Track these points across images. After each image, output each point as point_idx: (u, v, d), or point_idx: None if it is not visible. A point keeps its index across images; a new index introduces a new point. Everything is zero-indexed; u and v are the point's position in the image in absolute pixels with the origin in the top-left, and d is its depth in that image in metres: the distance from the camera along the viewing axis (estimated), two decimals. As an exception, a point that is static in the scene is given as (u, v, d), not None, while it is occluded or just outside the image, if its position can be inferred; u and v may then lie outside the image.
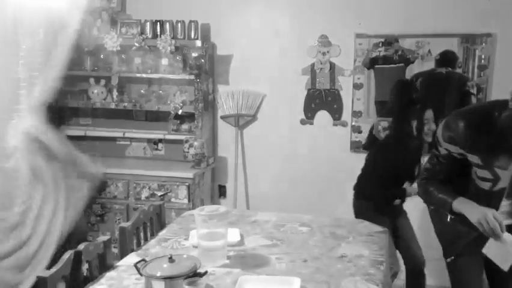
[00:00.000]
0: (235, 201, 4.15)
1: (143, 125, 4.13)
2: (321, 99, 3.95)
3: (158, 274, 1.74)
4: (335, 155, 3.95)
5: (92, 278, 2.03)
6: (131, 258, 2.12)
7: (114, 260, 2.17)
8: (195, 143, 3.87)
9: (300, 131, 4.02)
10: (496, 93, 3.57)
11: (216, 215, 2.07)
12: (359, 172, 3.86)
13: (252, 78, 4.02)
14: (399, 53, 3.72)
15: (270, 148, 4.08)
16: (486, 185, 2.02)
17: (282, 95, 4.00)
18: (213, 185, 4.16)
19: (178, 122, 4.05)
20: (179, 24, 3.84)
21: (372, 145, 3.56)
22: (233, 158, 4.13)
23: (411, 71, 3.70)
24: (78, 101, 4.04)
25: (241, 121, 4.08)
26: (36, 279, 1.79)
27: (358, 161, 3.86)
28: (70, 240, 3.13)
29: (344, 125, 3.93)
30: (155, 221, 2.68)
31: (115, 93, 3.99)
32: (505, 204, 2.02)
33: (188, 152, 3.96)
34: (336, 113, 3.94)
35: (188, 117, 3.97)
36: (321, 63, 3.90)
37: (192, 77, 3.82)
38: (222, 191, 4.26)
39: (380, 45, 3.75)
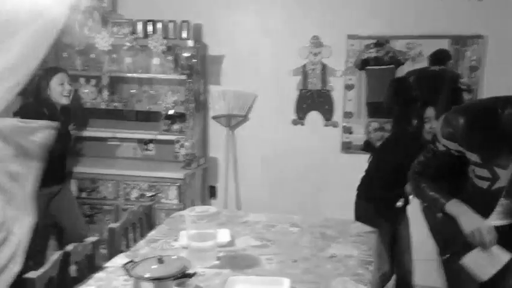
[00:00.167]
0: (225, 202, 4.14)
1: (133, 125, 4.10)
2: (313, 100, 3.95)
3: (147, 275, 1.73)
4: (326, 156, 3.96)
5: (80, 279, 2.01)
6: (120, 259, 2.11)
7: (103, 261, 2.16)
8: (186, 144, 3.86)
9: (291, 132, 4.02)
10: (487, 94, 3.59)
11: (206, 215, 2.06)
12: (349, 173, 3.87)
13: (244, 79, 4.02)
14: (391, 54, 3.73)
15: (261, 149, 4.08)
16: (484, 184, 1.97)
17: (273, 95, 4.00)
18: (203, 185, 4.15)
19: (169, 122, 4.03)
20: (171, 24, 3.83)
21: (368, 146, 3.53)
22: (224, 159, 4.12)
23: (402, 72, 3.71)
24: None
25: (233, 121, 4.08)
26: (25, 280, 1.77)
27: (349, 162, 3.90)
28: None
29: (335, 125, 3.93)
30: (144, 222, 2.67)
31: (105, 93, 3.97)
32: (502, 203, 1.97)
33: (179, 153, 3.95)
34: (327, 114, 3.94)
35: (180, 117, 3.96)
36: (312, 64, 3.91)
37: (184, 77, 3.80)
38: (212, 192, 4.25)
39: (372, 46, 3.76)
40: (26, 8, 3.12)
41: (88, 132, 4.10)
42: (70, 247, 1.99)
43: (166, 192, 3.72)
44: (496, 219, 1.95)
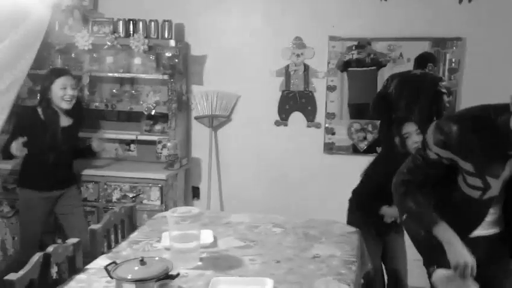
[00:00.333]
0: (208, 203, 4.12)
1: (115, 126, 4.06)
2: (295, 101, 3.96)
3: (129, 277, 1.72)
4: (308, 157, 3.97)
5: (61, 281, 1.98)
6: (102, 261, 2.09)
7: (84, 262, 2.13)
8: (168, 144, 3.83)
9: (274, 132, 4.02)
10: (466, 96, 3.65)
11: (188, 216, 2.05)
12: (332, 173, 3.91)
13: (227, 79, 4.01)
14: (372, 56, 3.77)
15: (244, 149, 4.07)
16: (475, 194, 1.92)
17: (256, 96, 4.00)
18: (186, 186, 4.13)
19: (151, 122, 4.00)
20: (152, 24, 3.80)
21: None
22: (207, 159, 4.10)
23: (383, 74, 3.75)
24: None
25: (216, 122, 4.07)
26: (4, 282, 1.74)
27: (331, 163, 3.92)
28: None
29: (318, 126, 3.95)
30: (126, 223, 2.64)
31: (86, 92, 3.91)
32: (492, 212, 1.96)
33: (161, 153, 3.92)
34: (310, 115, 3.96)
35: (162, 117, 3.93)
36: (295, 65, 3.92)
37: (166, 77, 3.78)
38: (195, 193, 4.23)
39: (353, 48, 3.79)
40: (13, 11, 3.14)
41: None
42: (50, 248, 1.96)
43: (148, 193, 3.69)
44: (485, 229, 1.95)
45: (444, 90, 3.65)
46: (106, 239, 2.41)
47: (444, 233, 1.89)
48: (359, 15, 3.75)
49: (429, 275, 2.09)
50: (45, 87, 3.22)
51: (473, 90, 3.63)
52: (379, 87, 3.77)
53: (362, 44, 3.77)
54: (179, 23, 3.91)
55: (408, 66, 3.69)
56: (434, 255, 2.03)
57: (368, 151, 3.79)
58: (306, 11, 3.83)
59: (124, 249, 2.27)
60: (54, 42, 3.79)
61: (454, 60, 3.63)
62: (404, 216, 2.05)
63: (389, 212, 2.85)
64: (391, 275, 3.07)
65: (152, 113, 3.90)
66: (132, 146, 4.11)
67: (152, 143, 3.96)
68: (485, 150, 1.81)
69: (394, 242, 3.02)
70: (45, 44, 3.76)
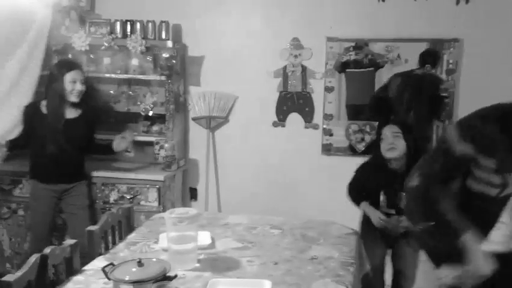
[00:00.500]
0: (206, 204, 4.12)
1: (112, 126, 4.04)
2: (293, 102, 3.96)
3: (127, 278, 1.71)
4: (306, 158, 3.97)
5: (58, 282, 1.98)
6: (99, 262, 2.08)
7: (81, 263, 2.12)
8: (166, 145, 3.82)
9: (272, 133, 4.02)
10: (464, 97, 3.66)
11: (186, 217, 2.04)
12: (330, 174, 3.91)
13: (224, 80, 4.00)
14: (370, 57, 3.77)
15: (241, 150, 4.07)
16: (493, 192, 1.88)
17: (254, 97, 4.00)
18: (184, 187, 4.12)
19: (149, 123, 3.99)
20: (150, 24, 3.79)
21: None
22: (205, 160, 4.10)
23: (380, 75, 3.75)
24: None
25: (213, 123, 4.06)
26: (1, 284, 1.73)
27: (329, 164, 3.92)
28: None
29: (316, 127, 3.95)
30: (124, 224, 2.63)
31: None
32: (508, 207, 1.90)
33: (159, 154, 3.90)
34: (307, 116, 3.96)
35: (159, 118, 3.92)
36: (293, 66, 3.92)
37: (163, 78, 3.77)
38: (193, 194, 4.22)
39: (351, 49, 3.79)
40: (20, 19, 3.26)
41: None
42: (47, 250, 1.95)
43: (146, 195, 3.68)
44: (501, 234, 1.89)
45: (445, 94, 3.65)
46: (103, 240, 2.40)
47: (474, 242, 1.83)
48: (356, 16, 3.75)
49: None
50: (55, 78, 3.20)
51: (470, 91, 3.64)
52: (377, 88, 3.77)
53: (359, 45, 3.77)
54: (176, 24, 3.91)
55: (406, 67, 3.69)
56: (447, 262, 1.96)
57: (365, 152, 3.78)
58: (303, 12, 3.83)
59: (122, 251, 2.27)
60: (51, 43, 3.78)
61: (451, 61, 3.64)
62: (423, 224, 1.96)
63: (369, 211, 2.90)
64: (395, 276, 3.05)
65: (150, 114, 3.90)
66: (129, 147, 4.09)
67: (150, 144, 3.95)
68: (510, 147, 1.77)
69: (402, 251, 2.97)
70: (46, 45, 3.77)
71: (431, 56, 3.63)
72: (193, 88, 4.07)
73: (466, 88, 3.65)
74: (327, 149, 3.93)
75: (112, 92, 4.01)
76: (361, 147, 3.82)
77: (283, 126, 4.01)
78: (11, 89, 3.43)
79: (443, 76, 3.66)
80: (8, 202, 3.72)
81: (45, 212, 3.33)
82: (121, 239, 2.49)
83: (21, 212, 3.71)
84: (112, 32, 3.81)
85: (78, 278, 1.98)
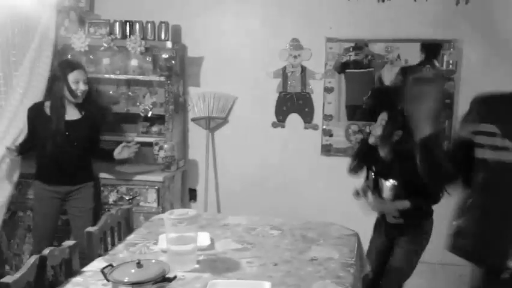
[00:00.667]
0: (205, 205, 4.11)
1: (111, 127, 4.04)
2: (293, 103, 3.96)
3: (126, 279, 1.70)
4: (306, 158, 3.97)
5: (57, 283, 1.97)
6: (98, 263, 2.07)
7: (81, 264, 2.12)
8: (165, 146, 3.82)
9: (271, 134, 4.02)
10: (464, 97, 3.65)
11: (185, 218, 2.03)
12: (329, 175, 3.90)
13: (224, 81, 4.00)
14: (369, 57, 3.76)
15: (241, 151, 4.06)
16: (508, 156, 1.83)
17: (253, 97, 3.99)
18: (183, 188, 4.11)
19: (148, 124, 3.98)
20: (149, 25, 3.78)
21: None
22: (204, 161, 4.09)
23: (380, 75, 3.74)
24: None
25: (213, 124, 4.05)
26: (0, 285, 1.73)
27: (328, 164, 3.92)
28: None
29: (315, 128, 3.94)
30: (123, 226, 2.63)
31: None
32: None
33: (158, 155, 3.90)
34: (307, 116, 3.95)
35: (158, 119, 3.91)
36: (292, 67, 3.91)
37: (162, 78, 3.76)
38: (192, 195, 4.21)
39: (351, 49, 3.79)
40: (26, 24, 3.46)
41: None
42: (46, 251, 1.94)
43: (145, 195, 3.67)
44: None
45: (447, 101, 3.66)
46: (102, 242, 2.39)
47: None
48: (356, 16, 3.74)
49: None
50: (59, 79, 3.19)
51: (470, 92, 3.60)
52: (377, 89, 3.77)
53: (359, 46, 3.77)
54: (176, 25, 3.90)
55: (406, 68, 3.70)
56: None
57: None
58: (303, 13, 3.83)
59: (121, 252, 2.26)
60: (57, 44, 3.77)
61: (451, 61, 3.63)
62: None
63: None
64: (386, 272, 3.03)
65: (149, 114, 3.89)
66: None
67: (149, 144, 3.94)
68: None
69: (397, 251, 2.97)
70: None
71: (439, 47, 3.62)
72: (192, 89, 4.07)
73: (466, 88, 3.64)
74: (327, 150, 3.93)
75: (111, 92, 4.00)
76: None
77: (283, 126, 4.00)
78: (24, 95, 3.46)
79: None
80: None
81: (48, 214, 3.32)
82: (120, 240, 2.48)
83: (20, 213, 3.70)
84: (111, 32, 3.80)
85: (77, 279, 1.97)
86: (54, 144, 3.16)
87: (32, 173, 3.39)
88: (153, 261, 1.86)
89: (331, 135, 3.91)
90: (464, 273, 3.44)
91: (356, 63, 3.79)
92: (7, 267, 3.75)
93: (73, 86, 3.17)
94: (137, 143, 3.56)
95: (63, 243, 2.12)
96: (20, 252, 3.72)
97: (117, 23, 3.80)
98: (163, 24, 3.79)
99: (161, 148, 3.85)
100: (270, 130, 4.01)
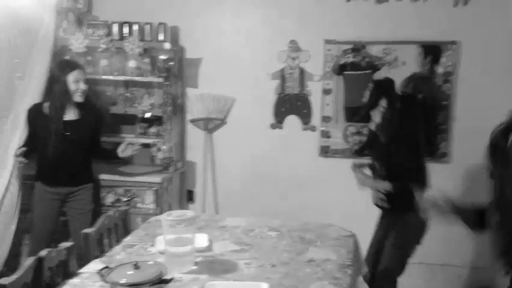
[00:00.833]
0: (204, 206, 4.10)
1: (109, 128, 4.03)
2: (291, 104, 3.96)
3: (123, 281, 1.70)
4: (304, 160, 3.97)
5: (54, 285, 1.96)
6: (95, 265, 2.07)
7: (78, 266, 2.11)
8: (163, 147, 3.81)
9: (269, 136, 4.01)
10: (462, 98, 3.66)
11: (183, 219, 2.03)
12: (327, 176, 3.90)
13: (222, 82, 4.00)
14: (367, 59, 3.77)
15: (239, 152, 4.06)
16: None
17: (251, 99, 3.99)
18: (181, 189, 4.11)
19: (146, 125, 3.97)
20: (147, 27, 3.78)
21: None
22: (202, 163, 4.09)
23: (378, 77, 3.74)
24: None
25: (211, 125, 4.05)
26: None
27: (326, 166, 3.91)
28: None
29: (313, 129, 3.94)
30: (120, 227, 2.62)
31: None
32: None
33: (156, 156, 3.90)
34: (305, 118, 3.95)
35: (157, 120, 3.91)
36: (290, 68, 3.91)
37: (161, 79, 3.76)
38: (190, 196, 4.21)
39: (349, 51, 3.79)
40: (27, 26, 3.43)
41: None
42: (43, 252, 1.94)
43: (143, 197, 3.66)
44: None
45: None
46: (99, 243, 2.39)
47: None
48: (354, 18, 3.75)
49: None
50: (58, 79, 3.18)
51: (468, 93, 3.64)
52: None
53: (357, 48, 3.77)
54: (174, 26, 3.90)
55: (404, 70, 3.69)
56: None
57: (363, 154, 3.77)
58: (301, 15, 3.83)
59: (118, 253, 2.26)
60: (57, 46, 3.76)
61: (449, 63, 3.64)
62: None
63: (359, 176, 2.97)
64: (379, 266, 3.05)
65: (147, 116, 3.88)
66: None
67: (147, 146, 3.94)
68: None
69: (389, 238, 3.00)
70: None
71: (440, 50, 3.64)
72: (190, 90, 4.07)
73: (464, 90, 3.65)
74: (325, 151, 3.93)
75: (109, 93, 3.99)
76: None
77: (281, 128, 4.00)
78: (23, 96, 3.45)
79: (441, 78, 3.66)
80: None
81: (48, 215, 3.31)
82: (118, 241, 2.48)
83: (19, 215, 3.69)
84: (109, 33, 3.80)
85: (74, 281, 1.97)
86: (54, 144, 3.16)
87: (32, 175, 3.39)
88: (150, 262, 1.86)
89: (329, 137, 3.91)
90: (463, 274, 3.48)
91: (353, 65, 3.79)
92: (4, 268, 3.73)
93: (74, 86, 3.17)
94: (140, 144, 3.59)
95: (60, 245, 2.12)
96: (17, 253, 3.71)
97: (115, 24, 3.80)
98: (161, 26, 3.78)
99: (159, 149, 3.85)
100: (268, 131, 4.01)
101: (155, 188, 3.65)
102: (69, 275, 2.03)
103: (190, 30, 3.96)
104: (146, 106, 3.87)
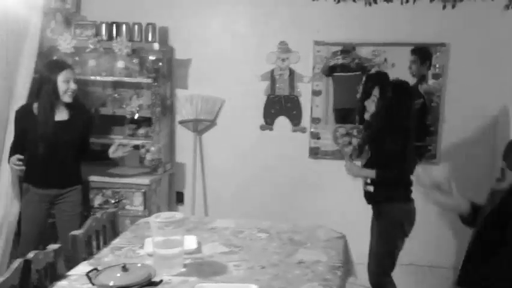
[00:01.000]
0: (193, 208, 4.09)
1: (97, 130, 3.99)
2: (281, 105, 3.95)
3: (111, 284, 1.69)
4: (294, 161, 3.96)
5: (42, 287, 1.94)
6: (83, 267, 2.05)
7: (65, 269, 2.09)
8: (152, 149, 3.79)
9: (259, 137, 4.01)
10: (450, 100, 3.68)
11: (172, 221, 2.02)
12: (317, 178, 3.91)
13: (212, 83, 3.98)
14: (357, 61, 3.78)
15: (229, 154, 4.05)
16: None
17: (241, 100, 3.98)
18: (170, 191, 4.09)
19: (134, 126, 3.95)
20: (136, 27, 3.76)
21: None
22: (191, 164, 4.07)
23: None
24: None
25: (200, 126, 4.04)
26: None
27: (316, 167, 3.92)
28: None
29: (303, 131, 3.94)
30: (108, 229, 2.60)
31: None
32: None
33: (144, 158, 3.87)
34: (295, 119, 3.95)
35: (145, 121, 3.88)
36: (280, 70, 3.91)
37: (149, 80, 3.74)
38: (179, 198, 4.18)
39: (338, 53, 3.80)
40: (15, 28, 3.40)
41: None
42: (30, 254, 1.91)
43: (131, 199, 3.64)
44: None
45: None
46: (87, 245, 2.36)
47: None
48: (344, 20, 3.75)
49: None
50: (48, 79, 3.14)
51: (457, 96, 3.66)
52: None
53: (346, 49, 3.78)
54: (163, 27, 3.88)
55: (393, 72, 3.68)
56: None
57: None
58: (291, 16, 3.83)
59: (106, 256, 2.24)
60: (43, 46, 3.72)
61: (438, 65, 3.66)
62: None
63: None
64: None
65: (136, 117, 3.86)
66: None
67: (136, 147, 3.91)
68: None
69: (373, 230, 3.08)
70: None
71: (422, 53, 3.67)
72: (179, 91, 4.05)
73: (453, 92, 3.67)
74: (315, 153, 3.93)
75: (97, 94, 3.96)
76: (348, 150, 3.82)
77: (271, 129, 4.00)
78: (10, 98, 3.43)
79: (430, 80, 3.68)
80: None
81: (36, 217, 3.27)
82: (106, 244, 2.46)
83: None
84: (97, 34, 3.77)
85: (62, 283, 1.95)
86: (44, 145, 3.12)
87: (21, 176, 3.35)
88: (139, 265, 1.85)
89: (319, 138, 3.91)
90: (452, 276, 3.49)
91: (343, 67, 3.80)
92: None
93: (64, 86, 3.13)
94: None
95: (48, 247, 2.10)
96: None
97: (103, 25, 3.77)
98: (150, 26, 3.77)
99: (148, 151, 3.82)
100: (258, 133, 4.01)
101: (143, 190, 3.63)
102: (57, 277, 2.01)
103: (180, 30, 3.95)
104: (134, 107, 3.84)
